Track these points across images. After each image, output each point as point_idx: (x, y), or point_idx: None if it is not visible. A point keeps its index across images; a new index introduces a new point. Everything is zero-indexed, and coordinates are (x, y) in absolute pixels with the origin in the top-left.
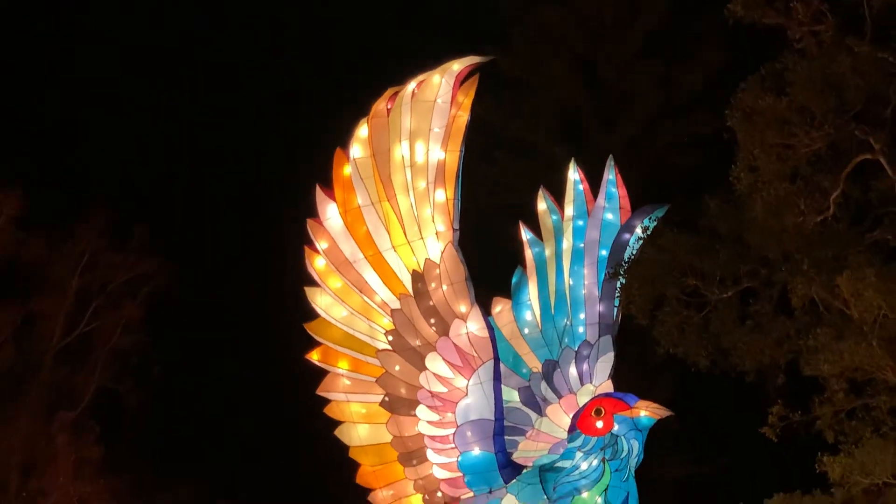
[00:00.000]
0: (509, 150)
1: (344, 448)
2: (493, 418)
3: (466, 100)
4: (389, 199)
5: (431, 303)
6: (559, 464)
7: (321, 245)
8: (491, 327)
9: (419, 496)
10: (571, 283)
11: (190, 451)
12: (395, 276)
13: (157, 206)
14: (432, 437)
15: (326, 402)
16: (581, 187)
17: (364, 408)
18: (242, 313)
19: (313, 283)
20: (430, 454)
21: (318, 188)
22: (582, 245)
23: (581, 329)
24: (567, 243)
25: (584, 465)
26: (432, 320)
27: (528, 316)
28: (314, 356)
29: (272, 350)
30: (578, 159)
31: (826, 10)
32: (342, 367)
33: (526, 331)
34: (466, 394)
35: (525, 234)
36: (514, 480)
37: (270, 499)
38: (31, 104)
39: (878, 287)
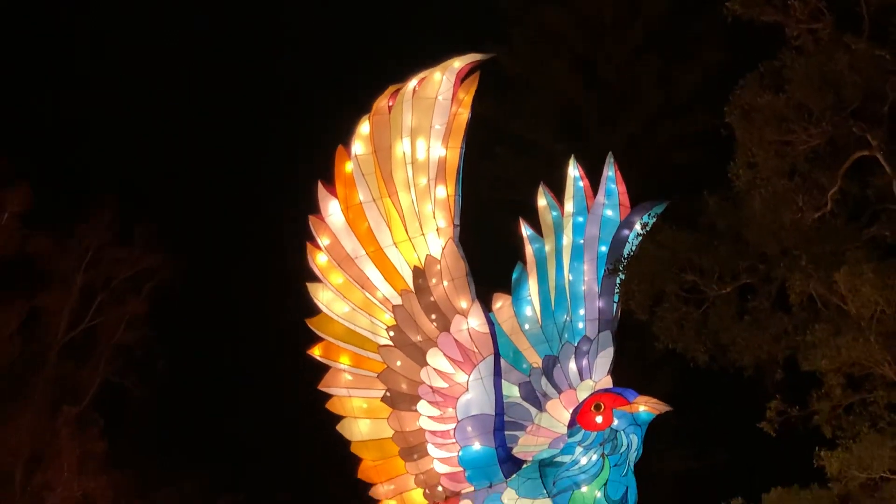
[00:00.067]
0: (510, 147)
1: (345, 443)
2: (494, 413)
3: (467, 97)
4: (391, 196)
5: (432, 299)
6: (559, 458)
7: (323, 241)
8: (491, 323)
9: (420, 490)
10: (571, 278)
11: (193, 445)
12: (397, 272)
13: (160, 203)
14: (433, 432)
15: (328, 397)
16: (581, 184)
17: (365, 403)
18: (245, 309)
19: (315, 279)
20: (430, 449)
21: (319, 185)
22: (582, 241)
23: (581, 325)
24: (567, 239)
25: (583, 460)
26: (433, 316)
27: (528, 312)
28: (316, 352)
29: (274, 345)
30: (578, 156)
31: (824, 7)
32: (344, 362)
33: (526, 326)
34: (467, 389)
35: (525, 231)
36: (515, 475)
37: (273, 493)
38: (35, 103)
39: (876, 283)
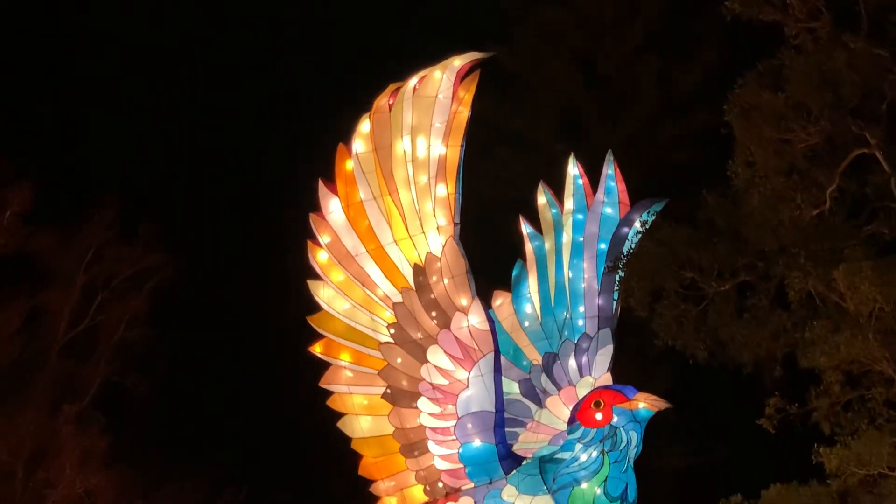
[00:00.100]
0: (510, 145)
1: (346, 439)
2: (494, 410)
3: (467, 95)
4: (391, 194)
5: (433, 296)
6: (559, 455)
7: (324, 239)
8: (491, 320)
9: (420, 487)
10: (571, 276)
11: (194, 443)
12: (397, 270)
13: (160, 202)
14: (433, 429)
15: (329, 394)
16: (580, 182)
17: (366, 400)
18: (246, 307)
19: (316, 277)
20: (431, 445)
21: (320, 182)
22: (581, 239)
23: (580, 322)
24: (567, 237)
25: (583, 457)
26: (434, 313)
27: (528, 309)
28: (317, 349)
29: (275, 343)
30: (578, 155)
31: (822, 6)
32: (345, 359)
33: (526, 323)
34: (467, 386)
35: (525, 228)
36: (515, 471)
37: (275, 490)
38: (37, 103)
39: (874, 280)
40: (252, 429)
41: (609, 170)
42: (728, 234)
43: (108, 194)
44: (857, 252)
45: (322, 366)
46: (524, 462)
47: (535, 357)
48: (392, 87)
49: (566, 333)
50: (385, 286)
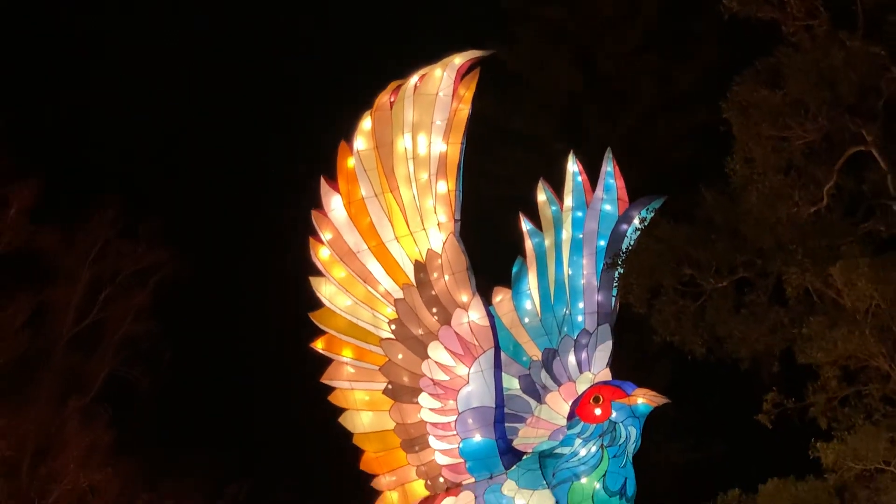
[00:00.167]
0: (510, 144)
1: (348, 435)
2: (494, 405)
3: (468, 93)
4: (392, 191)
5: (433, 292)
6: (558, 450)
7: (326, 236)
8: (492, 316)
9: (421, 482)
10: (570, 272)
11: (198, 437)
12: (398, 267)
13: (165, 198)
14: (434, 424)
15: (331, 389)
16: (580, 179)
17: (367, 395)
18: (249, 303)
19: (318, 273)
20: (432, 441)
21: (322, 180)
22: (581, 235)
23: (580, 318)
24: (566, 234)
25: (582, 452)
26: (434, 310)
27: (528, 305)
28: (319, 345)
29: (278, 339)
30: (578, 152)
31: (820, 4)
32: (346, 355)
33: (526, 320)
34: (468, 382)
35: (525, 225)
36: (515, 466)
37: (277, 485)
38: (40, 102)
39: (871, 277)
40: (255, 424)
41: (608, 167)
42: (726, 231)
43: (113, 191)
44: (853, 249)
45: (324, 362)
46: (524, 457)
47: (535, 353)
48: (393, 84)
49: (566, 329)
50: (386, 283)
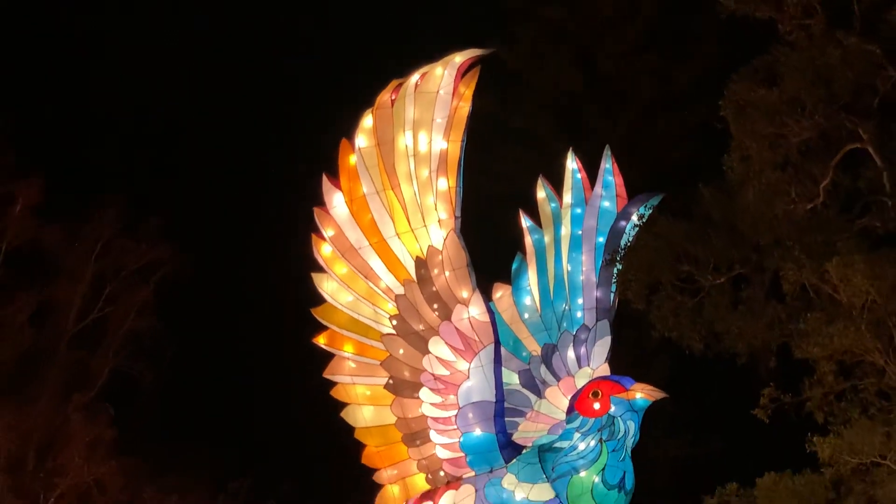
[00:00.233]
0: (511, 142)
1: (350, 429)
2: (494, 400)
3: (468, 91)
4: (393, 188)
5: (434, 288)
6: (558, 444)
7: (327, 232)
8: (492, 312)
9: (422, 475)
10: (570, 268)
11: (201, 432)
12: (399, 263)
13: (166, 197)
14: (435, 419)
15: (333, 384)
16: (579, 176)
17: (369, 390)
18: (251, 300)
19: (320, 270)
20: (433, 435)
21: (324, 177)
22: (580, 232)
23: (579, 314)
24: (565, 230)
25: (581, 446)
26: (435, 305)
27: (527, 301)
28: (321, 340)
29: (279, 334)
30: (577, 150)
31: (816, 3)
32: (348, 350)
33: (526, 315)
34: (468, 376)
35: (525, 222)
36: (515, 460)
37: (279, 480)
38: (44, 101)
39: (867, 272)
40: (257, 419)
41: (607, 164)
42: (724, 228)
43: (113, 191)
44: (849, 245)
45: (326, 356)
46: (524, 451)
47: (535, 348)
48: (394, 82)
49: (565, 325)
50: (387, 279)
